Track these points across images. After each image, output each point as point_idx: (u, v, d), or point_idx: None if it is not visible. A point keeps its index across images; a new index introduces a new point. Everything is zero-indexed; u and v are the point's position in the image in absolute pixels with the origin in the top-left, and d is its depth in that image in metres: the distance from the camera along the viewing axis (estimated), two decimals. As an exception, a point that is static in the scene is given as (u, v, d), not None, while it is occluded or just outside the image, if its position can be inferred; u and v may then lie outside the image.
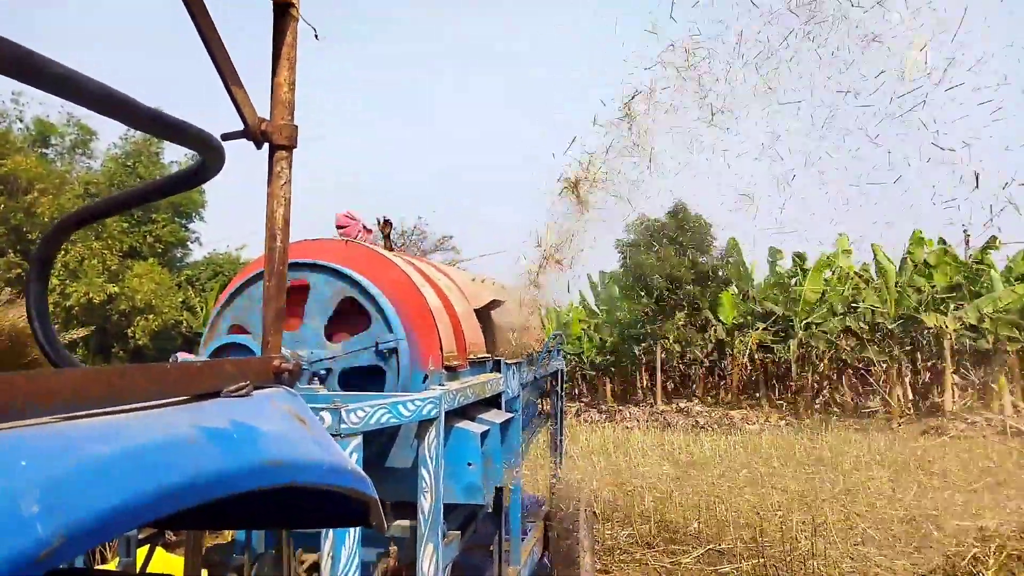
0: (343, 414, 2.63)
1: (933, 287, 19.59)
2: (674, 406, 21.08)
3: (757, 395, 22.40)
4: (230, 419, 0.91)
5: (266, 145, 1.20)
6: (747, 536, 7.49)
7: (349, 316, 3.41)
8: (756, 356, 22.62)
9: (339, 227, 5.22)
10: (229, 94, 1.09)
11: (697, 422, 18.47)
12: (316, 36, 1.27)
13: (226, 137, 1.15)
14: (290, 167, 1.20)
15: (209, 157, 1.13)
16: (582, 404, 23.01)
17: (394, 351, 3.33)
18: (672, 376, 24.37)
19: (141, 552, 3.22)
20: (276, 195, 1.19)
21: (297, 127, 1.21)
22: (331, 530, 2.59)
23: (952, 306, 19.17)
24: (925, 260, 20.31)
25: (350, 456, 2.65)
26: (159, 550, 4.48)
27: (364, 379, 3.38)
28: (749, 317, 22.12)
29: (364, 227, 5.26)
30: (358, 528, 2.56)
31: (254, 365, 1.12)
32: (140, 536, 3.26)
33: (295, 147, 1.20)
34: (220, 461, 0.82)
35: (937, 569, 4.97)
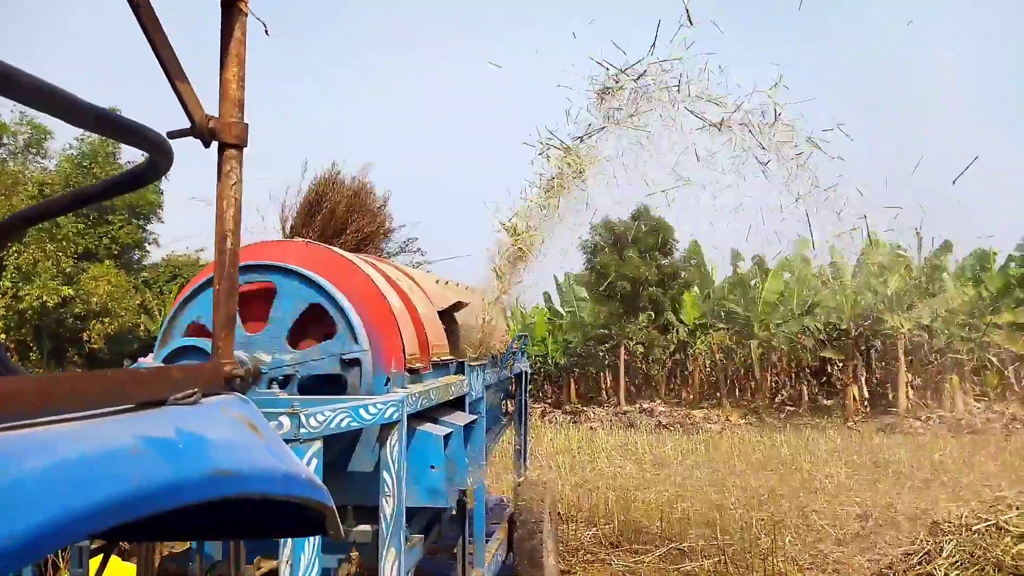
0: (302, 418, 2.59)
1: (887, 289, 20.06)
2: (637, 406, 21.24)
3: (718, 395, 22.71)
4: (175, 428, 0.87)
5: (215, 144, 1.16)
6: (708, 534, 7.57)
7: (312, 321, 3.36)
8: (717, 357, 22.93)
9: None
10: (173, 89, 1.06)
11: (660, 422, 18.64)
12: (267, 32, 1.24)
13: (172, 135, 1.12)
14: (241, 166, 1.17)
15: (156, 156, 1.09)
16: (547, 405, 23.07)
17: (357, 362, 3.28)
18: (635, 377, 24.57)
19: (94, 563, 3.14)
20: (226, 196, 1.15)
21: (247, 125, 1.17)
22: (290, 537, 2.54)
23: (906, 306, 19.65)
24: (880, 263, 20.77)
25: (310, 461, 2.61)
26: (114, 559, 4.36)
27: (324, 385, 3.33)
28: (710, 318, 22.42)
29: None
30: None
31: (204, 371, 1.08)
32: (92, 546, 3.17)
33: (245, 146, 1.17)
34: (164, 472, 0.79)
35: (892, 565, 5.07)
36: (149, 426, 0.85)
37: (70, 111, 0.93)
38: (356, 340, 3.26)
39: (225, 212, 1.15)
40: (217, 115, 1.15)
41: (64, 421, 0.81)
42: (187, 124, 1.10)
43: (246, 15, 1.16)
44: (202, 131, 1.11)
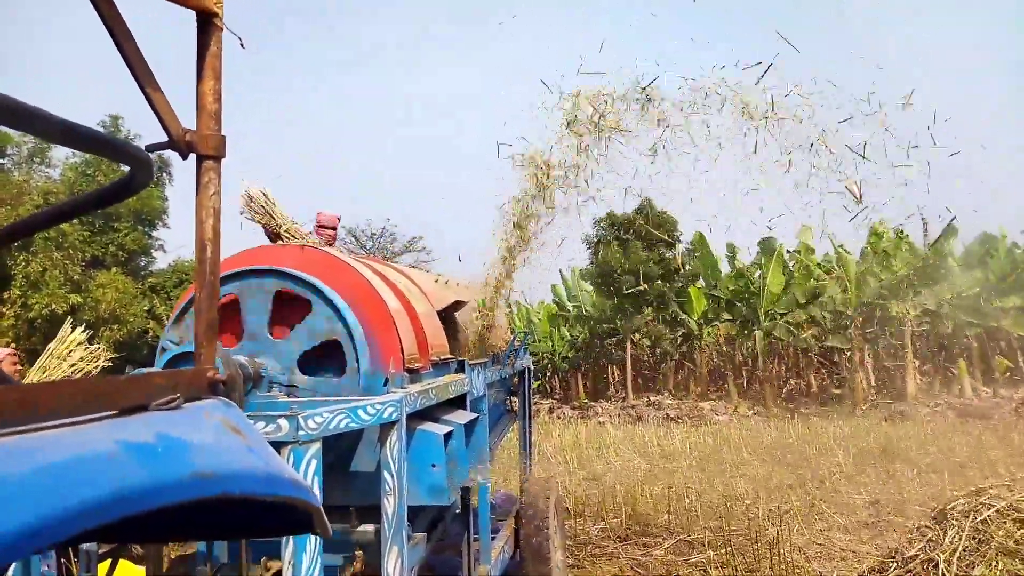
0: (301, 420, 2.62)
1: (893, 275, 19.98)
2: (645, 400, 21.26)
3: (725, 386, 22.68)
4: (155, 432, 0.90)
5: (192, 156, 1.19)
6: (716, 525, 7.58)
7: (294, 310, 3.40)
8: (723, 348, 22.90)
9: (323, 226, 5.05)
10: (149, 103, 1.09)
11: (668, 415, 18.64)
12: (242, 46, 1.27)
13: (151, 148, 1.15)
14: (219, 177, 1.20)
15: (135, 169, 1.12)
16: (554, 401, 23.10)
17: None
18: (642, 370, 24.57)
19: (103, 567, 3.18)
20: (205, 206, 1.18)
21: (225, 137, 1.20)
22: (291, 537, 2.57)
23: (911, 293, 19.58)
24: (884, 249, 20.70)
25: (309, 462, 2.65)
26: (124, 562, 4.42)
27: (323, 358, 3.39)
28: (715, 309, 22.39)
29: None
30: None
31: (186, 377, 1.11)
32: (101, 551, 3.22)
33: (223, 157, 1.20)
34: (142, 475, 0.81)
35: (897, 552, 5.09)
36: (129, 431, 0.88)
37: (41, 126, 0.96)
38: (331, 302, 3.32)
39: (204, 222, 1.19)
40: (195, 128, 1.18)
41: (47, 428, 0.84)
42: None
43: (221, 29, 1.19)
44: (180, 144, 1.15)
